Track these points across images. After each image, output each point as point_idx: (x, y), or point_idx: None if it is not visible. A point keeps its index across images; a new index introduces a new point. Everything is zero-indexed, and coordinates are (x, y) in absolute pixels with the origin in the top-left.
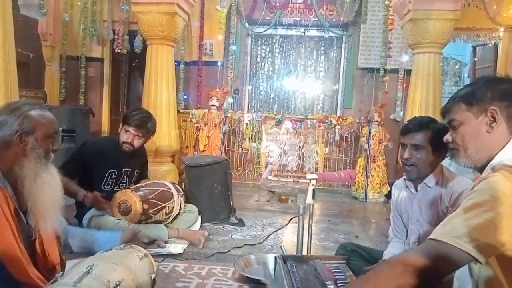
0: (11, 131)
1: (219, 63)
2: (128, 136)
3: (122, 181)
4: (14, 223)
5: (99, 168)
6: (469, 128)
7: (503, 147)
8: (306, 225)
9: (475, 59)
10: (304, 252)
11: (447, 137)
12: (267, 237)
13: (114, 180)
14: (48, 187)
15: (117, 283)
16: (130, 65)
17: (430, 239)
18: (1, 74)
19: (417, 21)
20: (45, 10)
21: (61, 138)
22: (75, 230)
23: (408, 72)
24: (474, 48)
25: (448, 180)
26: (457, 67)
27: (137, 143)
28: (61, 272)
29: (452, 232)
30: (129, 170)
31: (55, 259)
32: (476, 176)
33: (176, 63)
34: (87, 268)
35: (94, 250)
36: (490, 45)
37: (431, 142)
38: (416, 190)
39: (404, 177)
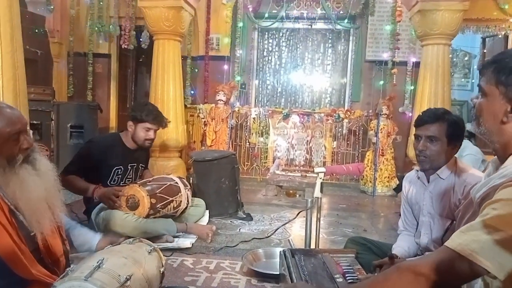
0: None
1: (226, 58)
2: (149, 133)
3: (128, 177)
4: (11, 224)
5: (105, 165)
6: (489, 105)
7: None
8: (314, 219)
9: (485, 51)
10: (312, 246)
11: (474, 99)
12: (275, 231)
13: (120, 176)
14: (19, 194)
15: (128, 277)
16: (137, 61)
17: (446, 247)
18: (9, 70)
19: (426, 12)
20: (52, 7)
21: (69, 134)
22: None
23: (416, 64)
24: (484, 39)
25: (462, 172)
26: (466, 58)
27: (155, 136)
28: (72, 266)
29: (471, 245)
30: (134, 165)
31: (58, 251)
32: (486, 166)
33: (182, 58)
34: (97, 262)
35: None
36: (500, 36)
37: (446, 134)
38: (428, 182)
39: (416, 168)
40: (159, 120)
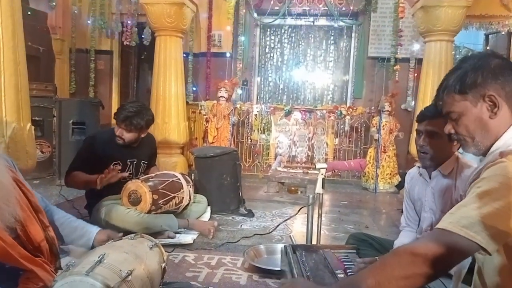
0: None
1: (228, 54)
2: (117, 130)
3: (129, 172)
4: None
5: (104, 161)
6: (471, 117)
7: (508, 129)
8: (315, 215)
9: (488, 47)
10: (314, 242)
11: (449, 129)
12: (276, 227)
13: (120, 171)
14: None
15: (129, 272)
16: (139, 58)
17: (438, 228)
18: (11, 66)
19: (429, 9)
20: (54, 3)
21: (71, 131)
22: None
23: (419, 61)
24: (487, 36)
25: (463, 168)
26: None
27: (126, 136)
28: (73, 261)
29: (461, 222)
30: (134, 161)
31: (38, 237)
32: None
33: (184, 55)
34: (99, 257)
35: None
36: (503, 33)
37: None
38: (430, 178)
39: (418, 164)
40: (124, 120)
